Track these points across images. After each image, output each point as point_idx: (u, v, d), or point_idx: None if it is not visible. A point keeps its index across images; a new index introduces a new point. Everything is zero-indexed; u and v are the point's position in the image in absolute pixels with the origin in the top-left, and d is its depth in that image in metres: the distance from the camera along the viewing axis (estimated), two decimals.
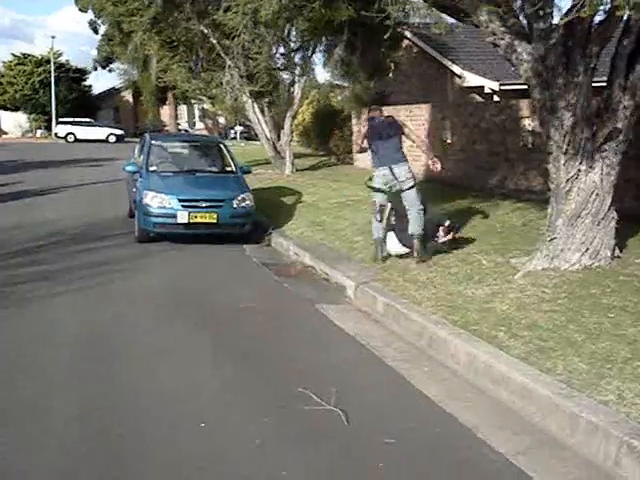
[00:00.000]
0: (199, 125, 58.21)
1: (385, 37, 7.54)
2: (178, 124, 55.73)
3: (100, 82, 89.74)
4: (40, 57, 59.21)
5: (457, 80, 22.16)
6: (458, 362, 5.84)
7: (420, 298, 7.28)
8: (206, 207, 11.28)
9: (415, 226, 8.72)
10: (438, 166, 9.17)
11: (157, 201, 11.30)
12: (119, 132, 53.07)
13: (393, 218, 9.06)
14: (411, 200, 8.77)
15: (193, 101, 53.80)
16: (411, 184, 8.77)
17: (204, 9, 8.76)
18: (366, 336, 6.84)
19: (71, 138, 51.18)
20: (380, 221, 8.84)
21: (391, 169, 8.70)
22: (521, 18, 7.86)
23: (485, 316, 6.45)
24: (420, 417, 5.01)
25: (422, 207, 8.82)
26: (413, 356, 6.27)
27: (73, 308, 7.69)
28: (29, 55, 59.90)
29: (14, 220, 13.36)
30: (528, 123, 13.86)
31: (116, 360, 6.06)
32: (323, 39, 15.18)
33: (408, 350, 6.44)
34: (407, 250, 8.75)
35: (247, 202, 11.68)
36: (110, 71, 60.15)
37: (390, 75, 22.15)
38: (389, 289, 7.78)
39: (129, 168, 12.90)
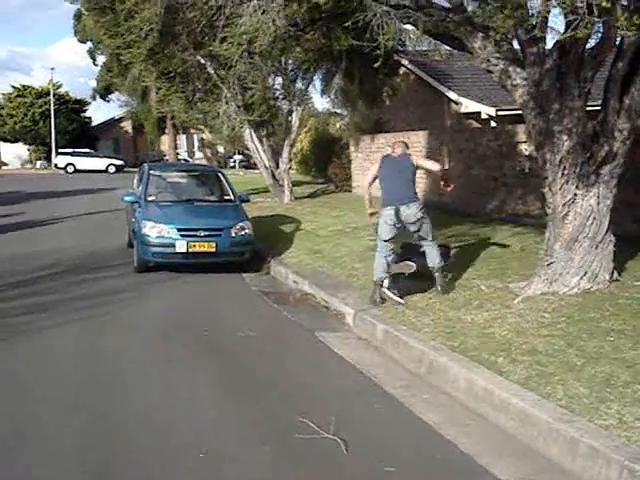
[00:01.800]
0: (198, 154, 58.45)
1: (377, 65, 7.56)
2: (177, 153, 55.96)
3: (99, 112, 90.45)
4: (40, 89, 59.69)
5: (454, 106, 22.26)
6: (458, 388, 5.81)
7: (419, 324, 7.27)
8: (205, 236, 11.29)
9: (434, 258, 8.36)
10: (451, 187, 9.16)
11: (156, 231, 11.32)
12: (119, 162, 53.32)
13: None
14: (425, 233, 8.37)
15: (192, 130, 54.33)
16: (422, 224, 8.30)
17: (200, 40, 8.83)
18: (366, 364, 6.82)
19: (71, 169, 51.40)
20: (386, 257, 8.30)
21: (397, 210, 8.13)
22: (514, 44, 7.93)
23: (484, 341, 6.43)
24: (420, 444, 4.98)
25: (434, 240, 8.52)
26: (413, 383, 6.25)
27: (71, 339, 7.66)
28: (29, 87, 60.34)
29: (13, 251, 13.37)
30: (524, 148, 13.91)
31: (115, 391, 6.04)
32: (321, 68, 15.28)
33: (408, 377, 6.41)
34: (401, 301, 8.22)
35: (246, 230, 11.68)
36: (108, 101, 60.76)
37: (388, 102, 22.25)
38: (388, 316, 7.76)
39: (128, 198, 12.93)
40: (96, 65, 57.14)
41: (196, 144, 60.90)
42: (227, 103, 8.56)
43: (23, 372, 6.54)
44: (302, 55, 9.28)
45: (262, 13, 6.97)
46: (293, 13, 7.25)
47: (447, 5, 7.90)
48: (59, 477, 4.40)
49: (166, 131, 54.36)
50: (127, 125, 62.64)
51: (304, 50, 8.72)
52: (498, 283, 8.43)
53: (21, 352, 7.11)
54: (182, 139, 61.16)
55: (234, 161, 50.47)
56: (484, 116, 21.07)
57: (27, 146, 60.31)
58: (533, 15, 6.67)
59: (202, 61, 12.67)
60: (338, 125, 29.26)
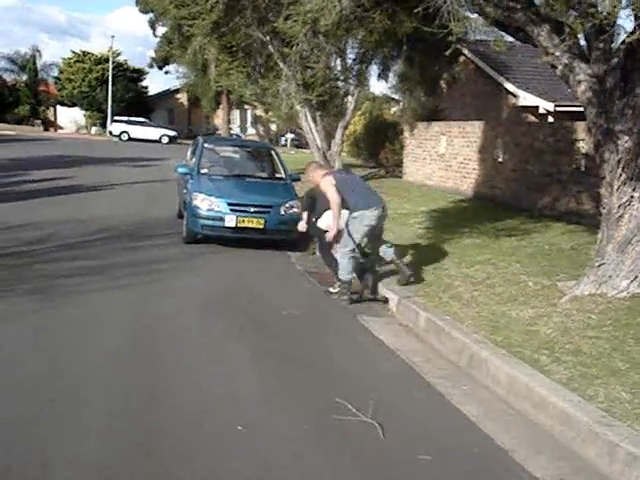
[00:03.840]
0: (251, 131, 58.62)
1: (446, 53, 7.48)
2: (230, 129, 56.21)
3: (155, 83, 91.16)
4: (99, 55, 60.30)
5: (512, 99, 21.97)
6: (498, 383, 5.79)
7: (463, 316, 7.24)
8: (254, 212, 11.37)
9: (390, 253, 8.89)
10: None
11: (206, 204, 11.43)
12: (172, 133, 53.74)
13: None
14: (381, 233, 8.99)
15: (246, 107, 54.47)
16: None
17: (265, 16, 8.84)
18: (406, 351, 6.83)
19: (125, 137, 51.98)
20: (350, 257, 8.56)
21: (383, 210, 8.69)
22: (580, 38, 7.79)
23: (528, 338, 6.38)
24: (457, 436, 4.97)
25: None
26: (453, 374, 6.24)
27: (119, 303, 7.79)
28: (88, 53, 61.09)
29: (65, 215, 13.59)
30: (582, 145, 13.68)
31: (156, 359, 6.14)
32: (381, 51, 15.14)
33: (448, 368, 6.41)
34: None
35: (295, 209, 11.70)
36: (166, 73, 61.18)
37: (445, 90, 22.04)
38: (432, 305, 7.75)
39: (180, 170, 13.08)
40: (155, 36, 57.53)
41: (249, 120, 61.07)
42: (287, 81, 8.56)
43: (67, 333, 6.66)
44: (366, 37, 9.20)
45: None
46: None
47: None
48: (98, 442, 4.49)
49: (221, 106, 54.62)
50: (182, 97, 63.02)
51: (368, 32, 8.65)
52: (546, 280, 8.33)
53: (67, 314, 7.23)
54: (236, 114, 61.38)
55: (286, 139, 50.50)
56: (542, 111, 20.76)
57: (83, 111, 61.11)
58: (602, 13, 6.54)
59: (265, 38, 12.67)
60: (393, 110, 29.09)
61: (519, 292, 7.95)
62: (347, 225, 8.50)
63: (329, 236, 8.68)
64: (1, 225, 11.80)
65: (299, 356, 6.54)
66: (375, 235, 8.81)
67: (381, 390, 5.74)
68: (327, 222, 8.92)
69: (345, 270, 8.53)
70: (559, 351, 6.01)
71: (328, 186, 8.55)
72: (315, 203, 9.50)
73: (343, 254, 8.52)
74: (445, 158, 20.36)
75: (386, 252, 8.84)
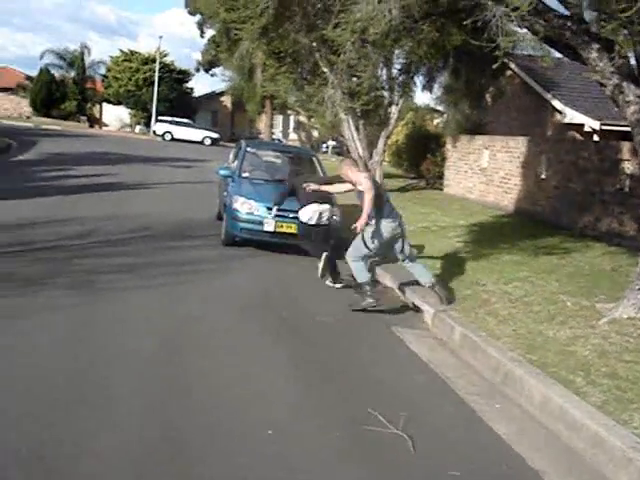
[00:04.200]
0: (292, 136, 58.89)
1: (493, 67, 7.45)
2: (272, 133, 56.49)
3: (199, 84, 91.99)
4: (146, 55, 60.99)
5: (557, 115, 21.77)
6: (532, 402, 5.73)
7: (499, 333, 7.18)
8: (293, 217, 11.38)
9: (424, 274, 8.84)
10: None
11: (246, 207, 11.50)
12: (215, 135, 54.07)
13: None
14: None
15: (289, 112, 54.72)
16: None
17: (314, 23, 8.87)
18: (440, 365, 6.79)
19: (168, 137, 52.41)
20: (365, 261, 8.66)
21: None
22: (631, 59, 7.70)
23: (564, 359, 6.31)
24: (487, 453, 4.94)
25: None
26: (486, 391, 6.19)
27: (155, 302, 7.86)
28: (136, 52, 61.77)
29: (106, 211, 13.78)
30: (627, 166, 13.52)
31: (189, 358, 6.18)
32: (427, 62, 15.12)
33: (481, 384, 6.36)
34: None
35: (334, 217, 11.70)
36: (212, 75, 61.65)
37: (490, 104, 21.91)
38: (468, 320, 7.70)
39: (222, 172, 13.17)
40: (202, 38, 58.15)
41: (291, 125, 61.32)
42: (333, 89, 8.57)
43: (101, 328, 6.75)
44: (414, 47, 9.19)
45: (378, 2, 6.96)
46: (409, 5, 7.20)
47: (565, 13, 7.73)
48: (130, 436, 4.53)
49: (264, 110, 54.91)
50: (227, 100, 63.44)
51: (416, 43, 8.65)
52: (584, 301, 8.23)
53: (101, 309, 7.32)
54: (278, 119, 61.68)
55: (327, 146, 50.56)
56: (587, 129, 20.54)
57: (128, 110, 61.83)
58: None
59: (313, 44, 12.72)
60: (436, 122, 29.02)
61: (557, 311, 7.86)
62: (362, 232, 8.45)
63: (360, 224, 8.35)
64: (43, 219, 11.99)
65: (332, 363, 6.54)
66: (389, 245, 8.74)
67: (413, 403, 5.72)
68: (309, 215, 10.23)
69: (360, 272, 8.54)
70: (595, 373, 5.93)
71: (368, 181, 8.41)
72: (295, 193, 10.57)
73: (355, 258, 8.55)
74: (487, 172, 20.24)
75: (423, 276, 8.78)
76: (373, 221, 8.43)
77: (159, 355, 6.18)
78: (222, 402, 5.26)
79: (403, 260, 8.87)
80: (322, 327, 7.70)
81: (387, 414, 5.22)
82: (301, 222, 10.57)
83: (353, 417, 5.21)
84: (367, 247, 8.47)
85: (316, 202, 10.36)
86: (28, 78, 63.35)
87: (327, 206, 10.25)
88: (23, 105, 62.75)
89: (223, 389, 5.54)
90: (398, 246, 8.74)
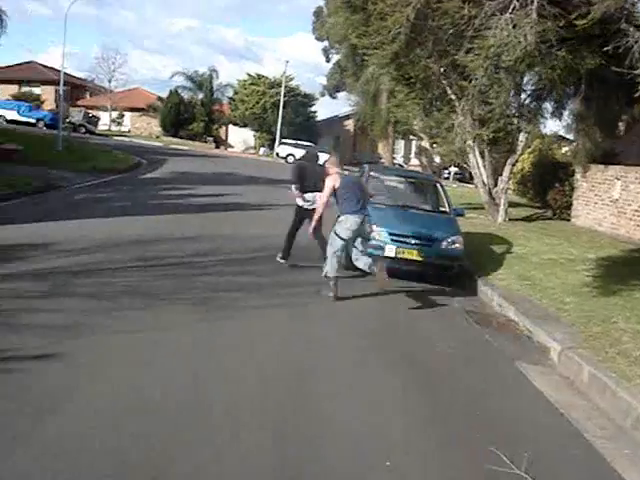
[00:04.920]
0: (414, 161, 58.56)
1: (636, 95, 7.10)
2: (394, 158, 56.40)
3: (321, 108, 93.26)
4: (273, 79, 62.30)
5: None
6: None
7: (631, 374, 6.77)
8: (414, 244, 11.23)
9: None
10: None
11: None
12: None
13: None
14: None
15: (411, 137, 54.54)
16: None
17: (445, 49, 8.75)
18: (566, 405, 6.47)
19: (291, 159, 53.18)
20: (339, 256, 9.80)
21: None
22: None
23: None
24: None
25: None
26: (615, 435, 5.84)
27: (274, 322, 7.91)
28: (263, 76, 63.19)
29: (228, 230, 14.03)
30: None
31: (307, 381, 6.14)
32: (558, 88, 14.68)
33: (610, 428, 6.01)
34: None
35: (457, 245, 11.47)
36: (334, 98, 62.32)
37: (622, 133, 21.08)
38: (598, 359, 7.31)
39: None
40: (328, 63, 58.89)
41: (413, 151, 61.06)
42: (463, 115, 8.40)
43: (223, 347, 6.81)
44: (547, 73, 8.92)
45: (513, 27, 6.77)
46: (545, 30, 6.98)
47: None
48: (243, 459, 4.49)
49: (388, 134, 54.97)
50: (349, 124, 63.90)
51: (549, 68, 8.39)
52: None
53: (223, 328, 7.39)
54: (400, 144, 61.58)
55: (449, 172, 50.05)
56: None
57: (253, 132, 63.23)
58: None
59: (443, 70, 12.58)
60: (564, 150, 28.17)
61: None
62: (334, 227, 9.79)
63: (314, 218, 10.50)
64: (167, 236, 12.31)
65: (452, 396, 6.34)
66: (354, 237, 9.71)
67: (537, 443, 5.45)
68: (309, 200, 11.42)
69: (333, 268, 9.60)
70: None
71: (329, 183, 9.98)
72: (304, 175, 11.61)
73: (332, 254, 9.65)
74: (619, 204, 19.44)
75: (365, 262, 9.70)
76: (342, 217, 9.63)
77: (277, 377, 6.16)
78: (337, 430, 5.18)
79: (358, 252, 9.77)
80: (442, 357, 7.51)
81: (510, 453, 5.01)
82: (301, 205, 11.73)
83: (475, 454, 5.03)
84: (341, 238, 9.58)
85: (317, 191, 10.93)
86: (159, 99, 65.94)
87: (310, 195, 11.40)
88: (153, 125, 65.43)
89: (337, 416, 5.45)
90: (358, 240, 9.71)
